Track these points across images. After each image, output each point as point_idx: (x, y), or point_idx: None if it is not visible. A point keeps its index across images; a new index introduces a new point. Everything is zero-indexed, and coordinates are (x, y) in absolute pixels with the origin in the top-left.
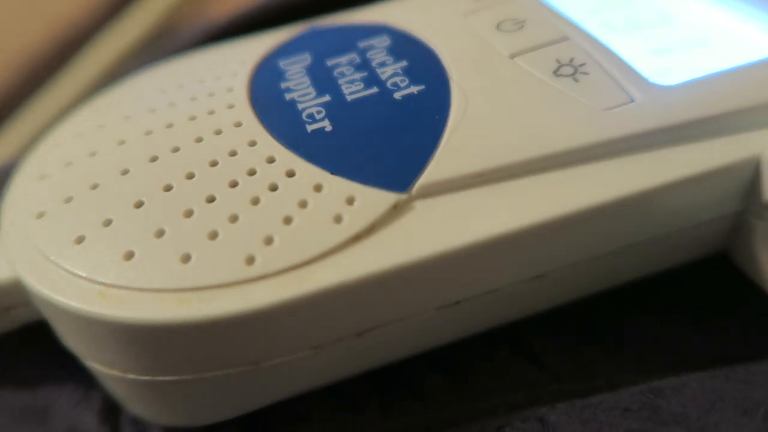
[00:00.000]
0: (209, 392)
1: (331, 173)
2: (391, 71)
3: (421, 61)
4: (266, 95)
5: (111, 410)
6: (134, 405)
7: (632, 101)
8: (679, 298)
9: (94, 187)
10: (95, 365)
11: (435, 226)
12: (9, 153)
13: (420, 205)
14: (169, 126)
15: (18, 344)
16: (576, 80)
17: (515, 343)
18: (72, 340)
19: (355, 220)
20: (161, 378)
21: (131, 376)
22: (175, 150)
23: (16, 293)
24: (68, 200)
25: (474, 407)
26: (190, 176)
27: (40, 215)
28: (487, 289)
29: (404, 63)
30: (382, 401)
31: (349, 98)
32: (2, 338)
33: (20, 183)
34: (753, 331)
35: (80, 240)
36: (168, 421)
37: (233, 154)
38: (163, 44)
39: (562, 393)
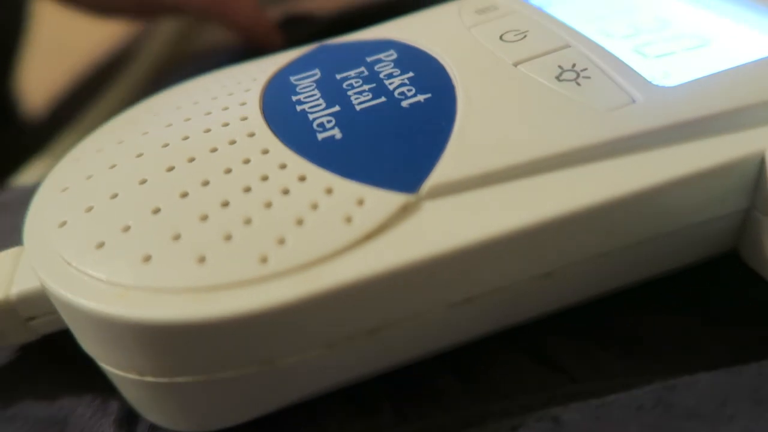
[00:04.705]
0: (225, 394)
1: (342, 177)
2: (398, 82)
3: (428, 72)
4: (278, 107)
5: (128, 419)
6: (151, 411)
7: (634, 102)
8: (691, 298)
9: (114, 196)
10: (114, 370)
11: (443, 224)
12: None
13: (429, 206)
14: (185, 138)
15: (37, 355)
16: (578, 84)
17: (530, 345)
18: (92, 344)
19: (366, 220)
20: (178, 380)
21: (149, 378)
22: (191, 160)
23: (38, 303)
24: (89, 209)
25: (488, 409)
26: (205, 183)
27: (62, 224)
28: (497, 287)
29: (411, 74)
30: (396, 405)
31: (358, 108)
32: (22, 349)
33: (42, 196)
34: (765, 329)
35: (100, 245)
36: (184, 426)
37: (246, 161)
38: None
39: (577, 394)
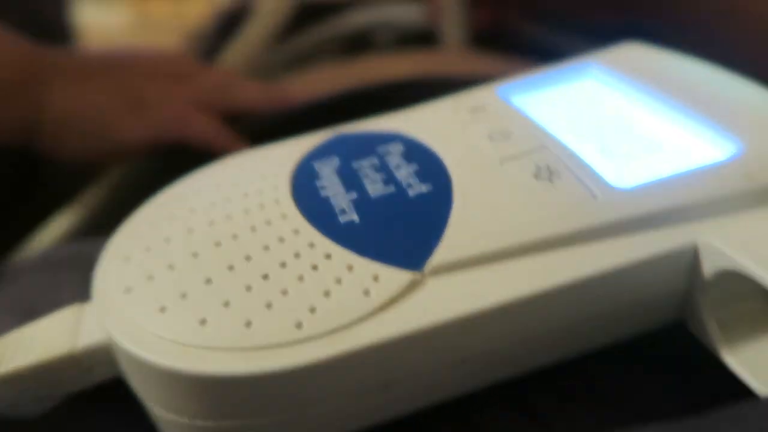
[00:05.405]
0: None
1: (360, 255)
2: (404, 173)
3: (429, 166)
4: (305, 192)
5: None
6: None
7: (595, 198)
8: (654, 361)
9: (171, 267)
10: (166, 414)
11: (443, 299)
12: None
13: (431, 282)
14: (228, 217)
15: (87, 399)
16: (551, 182)
17: (513, 399)
18: (151, 392)
19: (380, 293)
20: (223, 423)
21: (198, 422)
22: (235, 237)
23: (99, 356)
24: (150, 278)
25: None
26: (248, 258)
27: (128, 290)
28: (487, 350)
29: (415, 167)
30: None
31: (372, 195)
32: (78, 395)
33: (107, 264)
34: (711, 387)
35: (163, 310)
36: None
37: (281, 240)
38: None
39: None
